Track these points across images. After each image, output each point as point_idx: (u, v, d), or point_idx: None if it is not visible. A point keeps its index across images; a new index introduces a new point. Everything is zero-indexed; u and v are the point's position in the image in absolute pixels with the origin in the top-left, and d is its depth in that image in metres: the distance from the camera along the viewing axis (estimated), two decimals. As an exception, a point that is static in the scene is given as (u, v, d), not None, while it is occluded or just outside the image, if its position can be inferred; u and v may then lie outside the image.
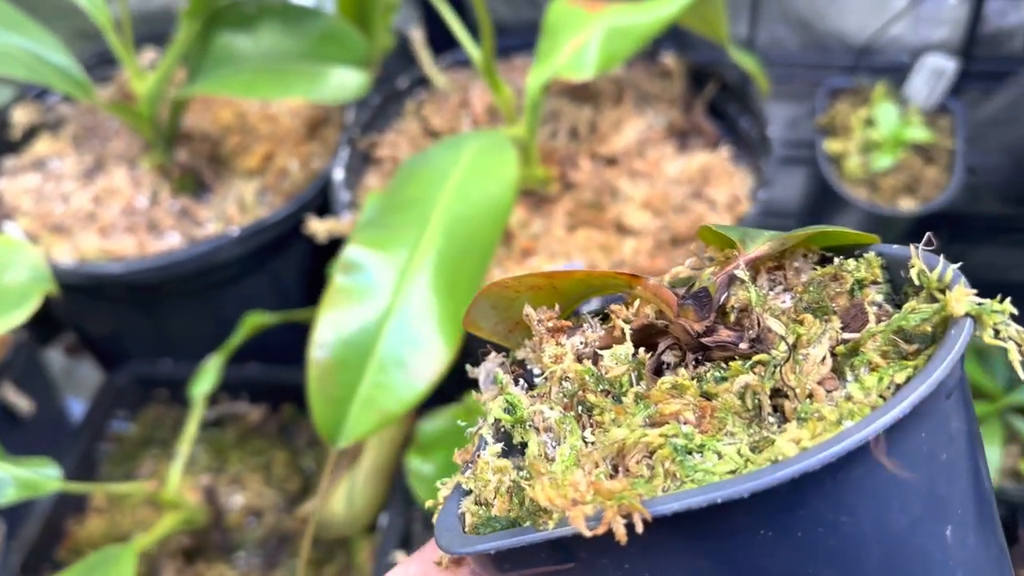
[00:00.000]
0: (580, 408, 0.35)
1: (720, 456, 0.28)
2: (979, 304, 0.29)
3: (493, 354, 0.40)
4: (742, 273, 0.33)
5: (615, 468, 0.30)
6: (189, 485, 0.97)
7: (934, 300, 0.30)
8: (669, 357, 0.34)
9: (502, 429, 0.36)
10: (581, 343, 0.37)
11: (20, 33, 0.88)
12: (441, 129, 1.04)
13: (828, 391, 0.29)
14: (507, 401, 0.36)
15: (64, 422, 1.20)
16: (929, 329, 0.29)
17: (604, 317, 0.38)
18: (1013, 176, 0.97)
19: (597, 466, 0.30)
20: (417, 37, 1.07)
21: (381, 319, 0.65)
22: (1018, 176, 0.96)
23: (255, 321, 0.91)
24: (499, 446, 0.34)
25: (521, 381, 0.38)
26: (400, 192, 0.75)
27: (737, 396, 0.30)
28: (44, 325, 1.21)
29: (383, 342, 0.64)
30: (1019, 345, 0.28)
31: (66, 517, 1.03)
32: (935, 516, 0.28)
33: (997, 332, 0.29)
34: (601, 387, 0.35)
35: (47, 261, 0.88)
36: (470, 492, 0.33)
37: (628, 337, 0.35)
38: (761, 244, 0.34)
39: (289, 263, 1.05)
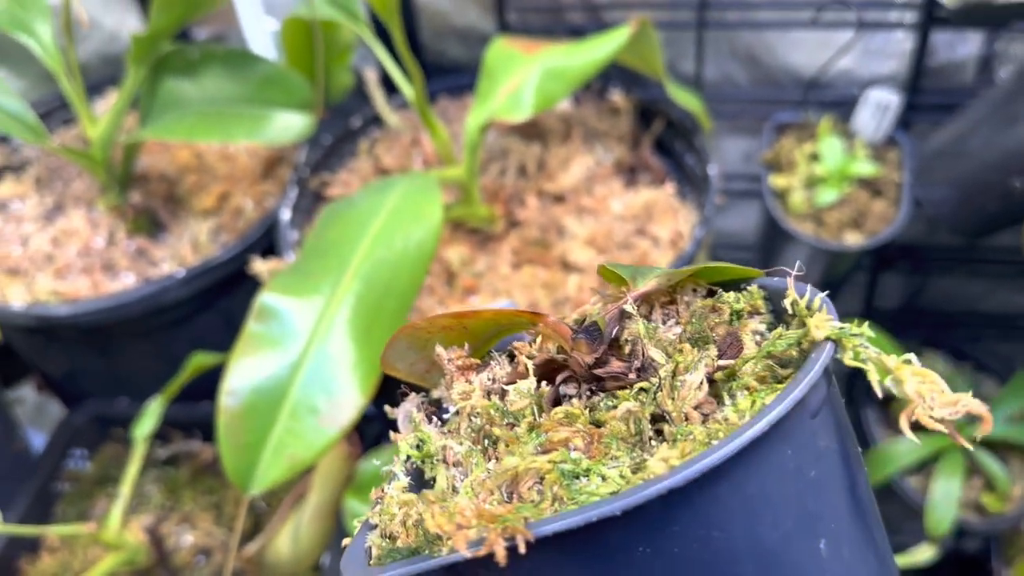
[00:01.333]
0: (487, 441, 0.36)
1: (604, 479, 0.30)
2: (839, 328, 0.31)
3: (412, 395, 0.42)
4: (630, 307, 0.35)
5: (510, 495, 0.31)
6: (136, 524, 0.97)
7: (804, 327, 0.32)
8: (571, 389, 0.36)
9: (414, 465, 0.38)
10: (489, 379, 0.38)
11: None
12: (391, 168, 1.06)
13: (705, 414, 0.31)
14: (417, 438, 0.37)
15: (29, 459, 1.20)
16: (795, 354, 0.31)
17: (512, 355, 0.39)
18: (961, 209, 0.99)
19: (492, 493, 0.31)
20: (371, 77, 1.09)
21: (295, 366, 0.65)
22: (966, 209, 0.98)
23: (200, 362, 0.92)
24: (406, 481, 0.36)
25: (435, 419, 0.39)
26: (322, 237, 0.75)
27: (622, 422, 0.32)
28: (10, 364, 1.22)
29: (296, 389, 0.64)
30: (876, 367, 0.30)
31: (18, 556, 1.03)
32: (807, 530, 0.30)
33: (857, 354, 0.31)
34: (506, 420, 0.36)
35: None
36: (376, 526, 0.35)
37: (531, 372, 0.37)
38: (649, 281, 0.36)
39: (240, 302, 1.04)
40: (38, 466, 1.10)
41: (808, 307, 0.32)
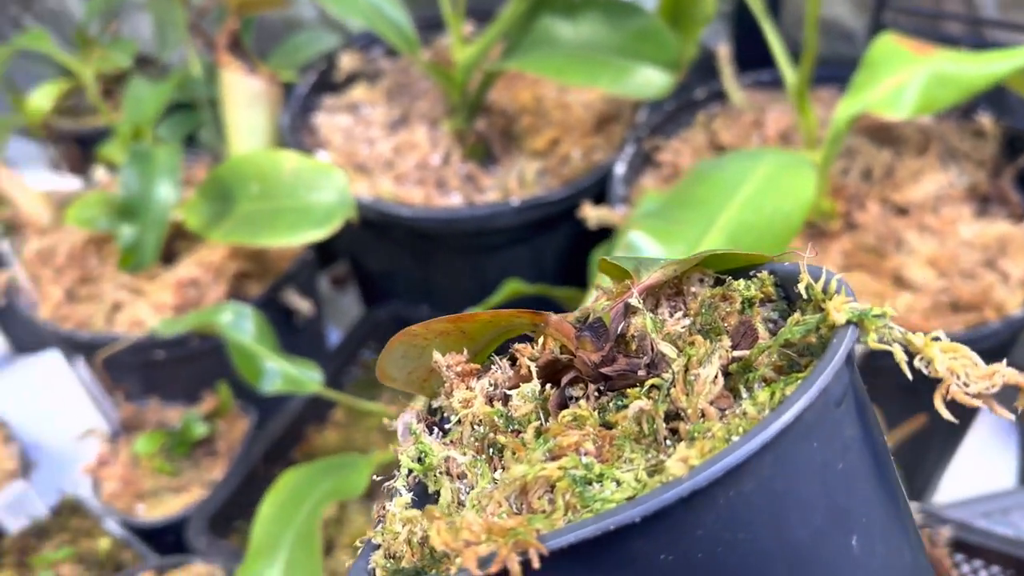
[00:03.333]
0: (491, 450, 0.35)
1: (619, 484, 0.28)
2: (861, 310, 0.29)
3: (410, 405, 0.40)
4: (636, 301, 0.33)
5: (519, 506, 0.30)
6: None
7: (822, 311, 0.30)
8: (577, 391, 0.34)
9: (417, 480, 0.36)
10: (491, 385, 0.36)
11: None
12: (728, 144, 1.05)
13: (722, 409, 0.29)
14: (418, 450, 0.35)
15: (320, 344, 1.29)
16: (814, 340, 0.30)
17: (513, 358, 0.38)
18: None
19: (500, 505, 0.29)
20: (724, 52, 1.09)
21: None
22: None
23: (514, 287, 0.93)
24: (409, 497, 0.34)
25: (436, 430, 0.38)
26: (688, 191, 0.76)
27: (634, 422, 0.30)
28: (320, 251, 1.27)
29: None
30: (904, 347, 0.28)
31: (308, 423, 1.14)
32: (838, 527, 0.28)
33: (881, 336, 0.29)
34: (511, 427, 0.34)
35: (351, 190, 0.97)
36: (379, 546, 0.33)
37: (535, 374, 0.35)
38: (654, 272, 0.34)
39: (553, 242, 1.12)
40: (337, 350, 1.19)
41: (824, 290, 0.31)
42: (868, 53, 0.84)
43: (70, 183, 1.50)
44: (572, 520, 0.28)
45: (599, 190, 1.06)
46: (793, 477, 0.27)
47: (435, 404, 0.39)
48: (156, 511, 1.05)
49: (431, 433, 0.37)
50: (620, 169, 1.02)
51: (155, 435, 1.09)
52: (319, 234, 0.91)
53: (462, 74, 1.03)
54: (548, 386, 0.35)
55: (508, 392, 0.36)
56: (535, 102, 1.17)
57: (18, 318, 1.19)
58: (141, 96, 1.23)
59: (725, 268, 0.36)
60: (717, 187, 0.76)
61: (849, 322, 0.29)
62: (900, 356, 0.28)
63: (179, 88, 1.31)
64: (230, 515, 1.01)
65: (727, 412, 0.29)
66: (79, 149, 1.52)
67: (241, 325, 0.92)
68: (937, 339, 0.28)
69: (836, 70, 1.05)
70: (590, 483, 0.28)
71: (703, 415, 0.29)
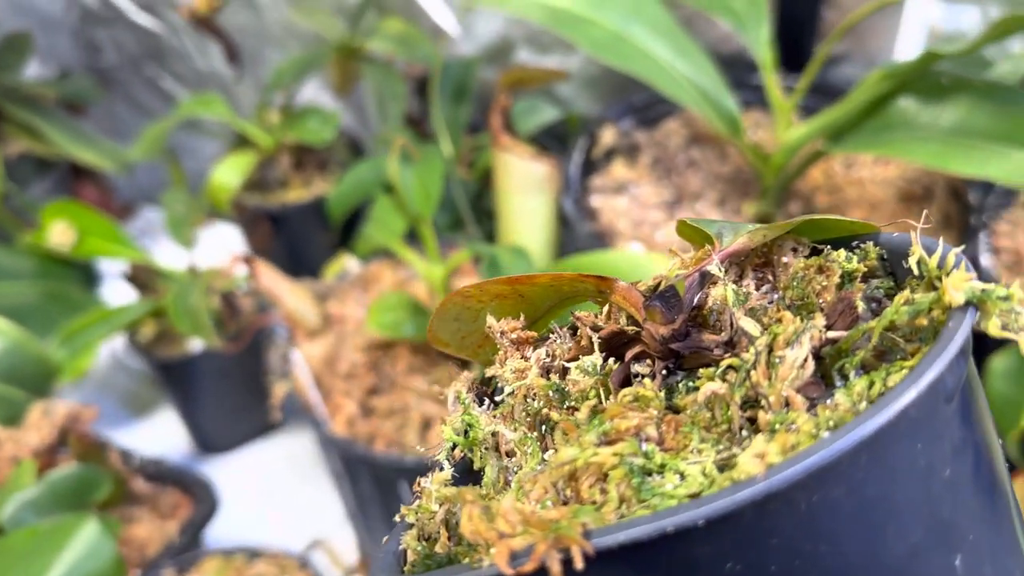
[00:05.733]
0: (544, 427, 0.31)
1: (683, 477, 0.24)
2: (982, 290, 0.24)
3: (464, 373, 0.37)
4: (715, 268, 0.29)
5: (567, 494, 0.26)
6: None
7: (935, 290, 0.26)
8: (643, 368, 0.30)
9: (462, 454, 0.32)
10: (548, 356, 0.33)
11: (690, 63, 0.91)
12: None
13: (811, 399, 0.25)
14: (464, 421, 0.32)
15: None
16: (924, 323, 0.25)
17: (575, 328, 0.34)
18: None
19: (546, 492, 0.26)
20: None
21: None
22: None
23: None
24: (450, 472, 0.31)
25: (487, 401, 0.34)
26: None
27: (706, 407, 0.26)
28: None
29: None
30: (1033, 338, 0.24)
31: None
32: (940, 543, 0.24)
33: (1007, 323, 0.24)
34: (567, 404, 0.31)
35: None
36: (412, 526, 0.29)
37: (596, 347, 0.31)
38: (740, 237, 0.30)
39: None
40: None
41: (940, 267, 0.26)
42: None
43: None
44: (625, 515, 0.24)
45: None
46: (891, 483, 0.23)
47: (489, 373, 0.35)
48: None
49: (482, 404, 0.34)
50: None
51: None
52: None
53: (784, 156, 0.96)
54: (611, 360, 0.31)
55: (567, 365, 0.32)
56: (826, 179, 1.09)
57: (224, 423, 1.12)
58: (408, 183, 1.04)
59: (824, 238, 0.31)
60: None
61: (968, 303, 0.24)
62: (1027, 347, 0.24)
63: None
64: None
65: (816, 402, 0.25)
66: (271, 228, 1.33)
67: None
68: (1077, 330, 0.23)
69: None
70: (649, 474, 0.25)
71: (787, 404, 0.25)
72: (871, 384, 0.25)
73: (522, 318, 0.34)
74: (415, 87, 1.25)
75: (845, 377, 0.26)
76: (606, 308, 0.32)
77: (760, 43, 0.90)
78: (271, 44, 1.43)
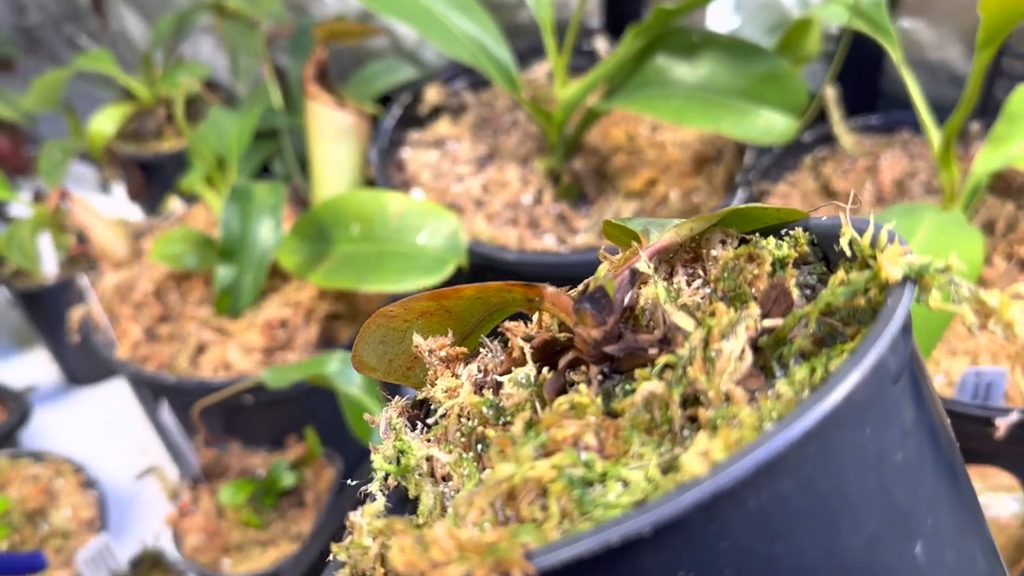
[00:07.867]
0: (480, 447, 0.30)
1: (626, 484, 0.23)
2: (920, 264, 0.23)
3: (396, 398, 0.35)
4: (644, 266, 0.28)
5: (506, 514, 0.24)
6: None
7: (870, 268, 0.25)
8: (578, 375, 0.29)
9: (395, 483, 0.31)
10: (480, 371, 0.31)
11: (471, 19, 0.93)
12: (842, 191, 0.98)
13: (751, 391, 0.24)
14: (396, 448, 0.30)
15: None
16: (863, 303, 0.24)
17: (505, 339, 0.32)
18: None
19: (483, 513, 0.24)
20: (831, 94, 1.03)
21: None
22: None
23: None
24: (382, 503, 0.29)
25: (419, 424, 0.33)
26: None
27: (644, 409, 0.25)
28: None
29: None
30: (974, 308, 0.23)
31: None
32: (898, 531, 0.23)
33: (947, 295, 0.23)
34: (502, 419, 0.29)
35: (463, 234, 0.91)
36: (344, 564, 0.28)
37: (529, 357, 0.30)
38: (666, 233, 0.29)
39: None
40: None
41: (873, 244, 0.25)
42: (1008, 105, 0.78)
43: (128, 209, 1.43)
44: (568, 531, 0.23)
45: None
46: (841, 473, 0.22)
47: (420, 396, 0.34)
48: (243, 566, 0.95)
49: (415, 429, 0.32)
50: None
51: (241, 484, 0.99)
52: (430, 281, 0.84)
53: (563, 113, 0.98)
54: (546, 370, 0.29)
55: (500, 379, 0.31)
56: (628, 141, 1.11)
57: (90, 355, 1.11)
58: (223, 126, 1.13)
59: (752, 228, 0.30)
60: None
61: (906, 278, 0.23)
62: (970, 319, 0.23)
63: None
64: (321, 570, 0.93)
65: (757, 394, 0.24)
66: (142, 175, 1.44)
67: (348, 375, 0.86)
68: (1018, 297, 0.22)
69: (944, 116, 0.98)
70: (591, 484, 0.23)
71: (728, 398, 0.23)
72: (812, 371, 0.24)
73: (450, 334, 0.32)
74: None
75: (785, 366, 0.25)
76: (536, 316, 0.31)
77: (541, 4, 0.93)
78: (171, 6, 1.52)
